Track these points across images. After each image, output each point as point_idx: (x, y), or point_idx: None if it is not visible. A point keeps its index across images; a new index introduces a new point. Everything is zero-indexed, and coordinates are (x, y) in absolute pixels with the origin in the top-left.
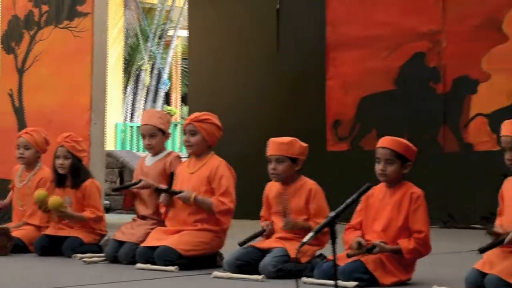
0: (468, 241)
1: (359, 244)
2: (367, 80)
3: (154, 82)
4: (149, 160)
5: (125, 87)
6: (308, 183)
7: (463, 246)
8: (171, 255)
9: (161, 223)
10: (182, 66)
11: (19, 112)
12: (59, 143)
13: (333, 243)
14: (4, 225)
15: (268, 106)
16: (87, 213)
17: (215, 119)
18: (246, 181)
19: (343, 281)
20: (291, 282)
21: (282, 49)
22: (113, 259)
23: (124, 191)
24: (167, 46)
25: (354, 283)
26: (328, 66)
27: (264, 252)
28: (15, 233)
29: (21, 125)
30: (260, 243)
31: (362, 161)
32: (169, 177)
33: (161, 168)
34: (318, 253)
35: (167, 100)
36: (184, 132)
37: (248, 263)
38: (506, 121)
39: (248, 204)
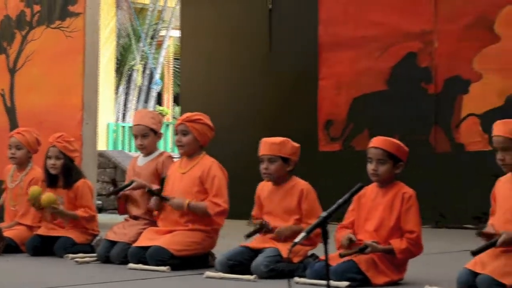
0: (459, 241)
1: (350, 240)
2: (360, 80)
3: (146, 82)
4: (141, 160)
5: (117, 87)
6: (300, 184)
7: (455, 246)
8: (163, 255)
9: (153, 223)
10: (174, 66)
11: (10, 112)
12: (51, 143)
13: (325, 243)
14: None
15: (260, 106)
16: (80, 212)
17: (206, 119)
18: (238, 181)
19: (335, 281)
20: (283, 282)
21: (274, 49)
22: (105, 259)
23: (118, 196)
24: (159, 46)
25: (346, 283)
26: (321, 66)
27: (256, 252)
28: (7, 233)
29: (13, 125)
30: (252, 243)
31: (354, 161)
32: (160, 183)
33: (153, 168)
34: (310, 253)
35: (159, 100)
36: (176, 132)
37: (240, 263)
38: (498, 121)
39: (241, 204)
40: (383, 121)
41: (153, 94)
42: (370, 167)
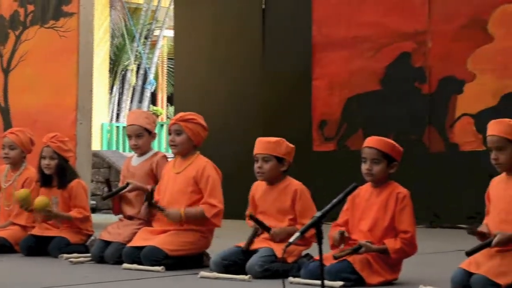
0: (454, 240)
1: (342, 234)
2: (353, 80)
3: (140, 82)
4: (135, 160)
5: (111, 87)
6: (294, 184)
7: (449, 245)
8: (157, 255)
9: (147, 223)
10: (168, 66)
11: (4, 112)
12: (45, 143)
13: (320, 243)
14: None
15: (254, 106)
16: (73, 213)
17: (200, 119)
18: (233, 181)
19: (329, 281)
20: (278, 282)
21: (268, 49)
22: (100, 259)
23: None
24: (153, 46)
25: (340, 283)
26: (314, 67)
27: (251, 252)
28: (1, 233)
29: (7, 125)
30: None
31: (348, 161)
32: (150, 193)
33: (147, 168)
34: (304, 253)
35: (153, 100)
36: (170, 132)
37: (234, 263)
38: (492, 121)
39: (236, 204)
40: (377, 121)
41: (147, 94)
42: (364, 167)
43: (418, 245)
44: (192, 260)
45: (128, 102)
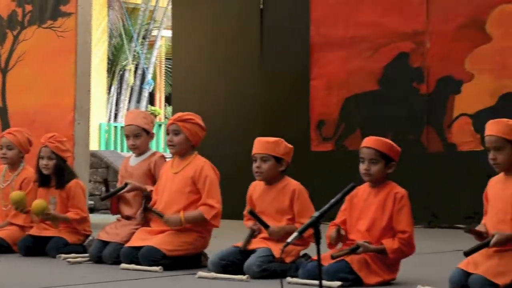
0: (452, 240)
1: (338, 232)
2: (351, 80)
3: (138, 82)
4: (133, 160)
5: (109, 87)
6: (292, 184)
7: (447, 245)
8: (155, 255)
9: (145, 223)
10: (166, 66)
11: (2, 112)
12: (43, 143)
13: (318, 243)
14: None
15: (252, 106)
16: (71, 214)
17: (198, 119)
18: (231, 181)
19: (327, 281)
20: (276, 282)
21: (266, 50)
22: (98, 259)
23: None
24: (151, 46)
25: (338, 283)
26: (312, 67)
27: (249, 252)
28: None
29: (5, 125)
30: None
31: (346, 161)
32: (146, 198)
33: (145, 168)
34: (302, 253)
35: (151, 100)
36: (168, 132)
37: (232, 263)
38: (491, 121)
39: (234, 204)
40: (375, 121)
41: (145, 94)
42: (362, 167)
43: (416, 245)
44: (190, 260)
45: (126, 102)
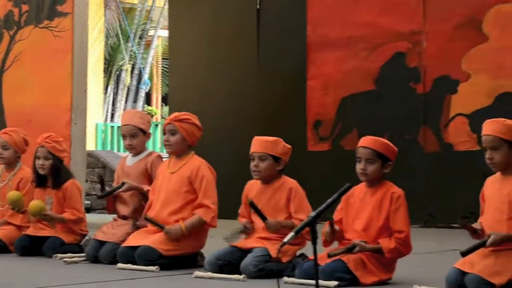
0: (448, 240)
1: (331, 226)
2: (348, 80)
3: (134, 82)
4: (130, 160)
5: (106, 87)
6: (288, 182)
7: (444, 245)
8: (151, 255)
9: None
10: (162, 66)
11: None
12: (39, 143)
13: (314, 243)
14: None
15: (248, 106)
16: (67, 215)
17: (195, 119)
18: (228, 181)
19: (324, 280)
20: (272, 282)
21: (262, 49)
22: (94, 259)
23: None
24: (148, 46)
25: (335, 283)
26: (309, 67)
27: (245, 252)
28: None
29: (1, 125)
30: (241, 243)
31: (343, 161)
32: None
33: (142, 168)
34: (299, 252)
35: (148, 100)
36: (164, 131)
37: (229, 263)
38: (487, 121)
39: (231, 204)
40: (372, 121)
41: (142, 94)
42: (359, 166)
43: (413, 245)
44: (187, 260)
45: (123, 102)
